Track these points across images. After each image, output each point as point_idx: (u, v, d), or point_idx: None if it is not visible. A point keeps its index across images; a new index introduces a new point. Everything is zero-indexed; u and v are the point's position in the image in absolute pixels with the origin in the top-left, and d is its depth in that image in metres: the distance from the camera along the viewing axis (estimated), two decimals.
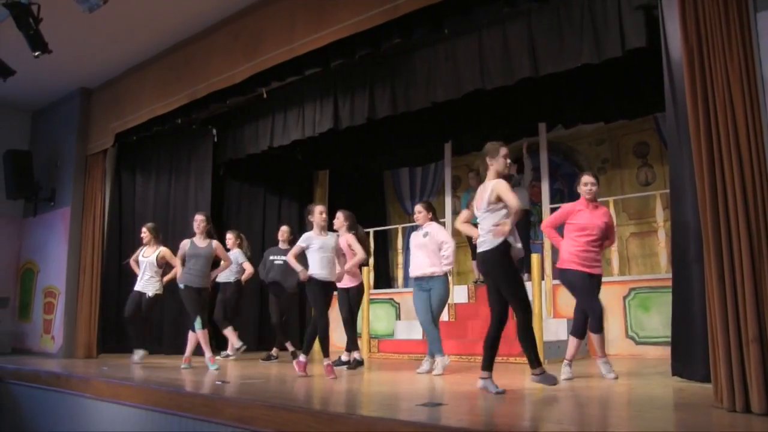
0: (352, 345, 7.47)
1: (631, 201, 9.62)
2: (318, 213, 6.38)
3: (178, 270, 7.74)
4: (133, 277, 9.39)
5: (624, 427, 3.41)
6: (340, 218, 7.44)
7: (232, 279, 8.80)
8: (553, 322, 7.92)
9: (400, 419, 3.53)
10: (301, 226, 11.17)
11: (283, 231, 8.80)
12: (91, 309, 9.61)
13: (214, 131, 10.44)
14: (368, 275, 9.02)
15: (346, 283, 7.32)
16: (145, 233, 8.43)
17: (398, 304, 10.19)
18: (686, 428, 3.36)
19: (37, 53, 7.22)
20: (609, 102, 8.73)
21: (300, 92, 9.05)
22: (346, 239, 7.16)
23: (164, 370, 7.26)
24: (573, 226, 5.70)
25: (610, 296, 7.85)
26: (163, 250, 8.29)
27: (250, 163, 10.66)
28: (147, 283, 8.24)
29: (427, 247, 6.50)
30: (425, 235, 6.55)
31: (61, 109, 10.80)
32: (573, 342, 5.70)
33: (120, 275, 10.18)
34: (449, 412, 3.81)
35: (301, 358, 6.33)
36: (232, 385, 5.47)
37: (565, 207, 5.92)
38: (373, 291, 9.63)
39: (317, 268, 6.14)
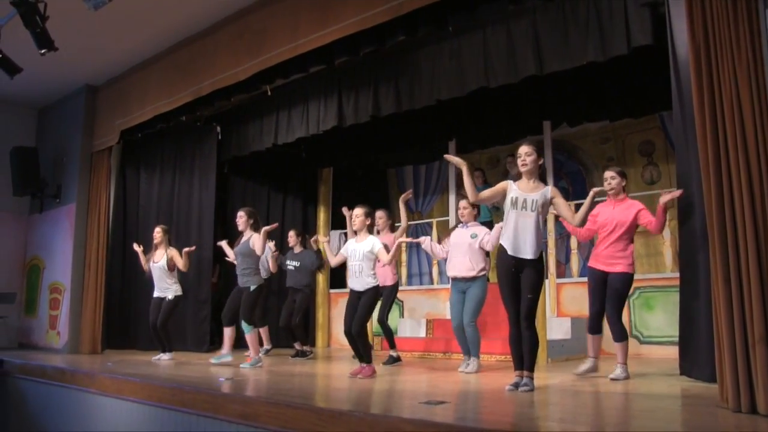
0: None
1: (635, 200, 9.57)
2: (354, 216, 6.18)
3: (183, 267, 7.93)
4: (138, 273, 9.41)
5: (628, 426, 3.38)
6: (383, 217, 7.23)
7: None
8: (556, 321, 7.89)
9: (403, 417, 3.50)
10: (305, 224, 11.19)
11: (291, 236, 8.82)
12: (96, 305, 9.61)
13: (219, 128, 10.42)
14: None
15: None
16: (158, 233, 8.36)
17: (402, 302, 10.17)
18: (691, 428, 3.33)
19: (43, 51, 7.22)
20: (614, 100, 8.68)
21: (304, 90, 9.03)
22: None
23: (168, 366, 7.25)
24: (597, 223, 5.66)
25: None
26: (171, 251, 8.25)
27: (254, 161, 10.64)
28: (165, 288, 8.20)
29: (471, 248, 6.30)
30: (473, 236, 6.33)
31: (67, 106, 10.80)
32: (588, 339, 5.74)
33: (124, 271, 10.21)
34: (451, 410, 3.78)
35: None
36: (236, 382, 5.46)
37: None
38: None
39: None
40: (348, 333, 5.95)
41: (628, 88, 8.32)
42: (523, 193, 4.81)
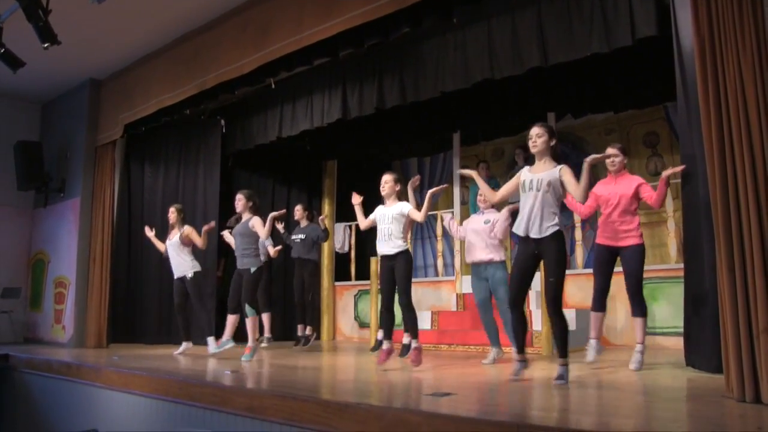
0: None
1: None
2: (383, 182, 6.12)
3: (201, 245, 7.95)
4: (144, 266, 9.46)
5: (633, 417, 3.40)
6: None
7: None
8: None
9: (409, 408, 3.52)
10: (310, 216, 11.19)
11: (297, 210, 9.15)
12: (101, 299, 9.66)
13: (223, 122, 10.43)
14: (376, 265, 9.01)
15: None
16: (172, 213, 8.24)
17: None
18: (696, 418, 3.35)
19: (46, 45, 7.24)
20: (619, 91, 8.68)
21: (308, 82, 9.03)
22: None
23: (175, 359, 7.29)
24: (599, 200, 5.67)
25: (619, 286, 7.79)
26: (186, 229, 8.13)
27: (258, 154, 10.64)
28: (180, 266, 8.07)
29: (484, 233, 6.36)
30: (486, 221, 6.40)
31: (71, 101, 10.83)
32: (591, 317, 5.70)
33: (129, 265, 10.26)
34: (458, 402, 3.81)
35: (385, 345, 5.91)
36: (242, 375, 5.49)
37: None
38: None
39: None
40: (387, 310, 5.85)
41: (632, 80, 8.31)
42: (531, 175, 4.81)
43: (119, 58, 9.67)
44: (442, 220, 6.63)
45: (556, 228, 4.64)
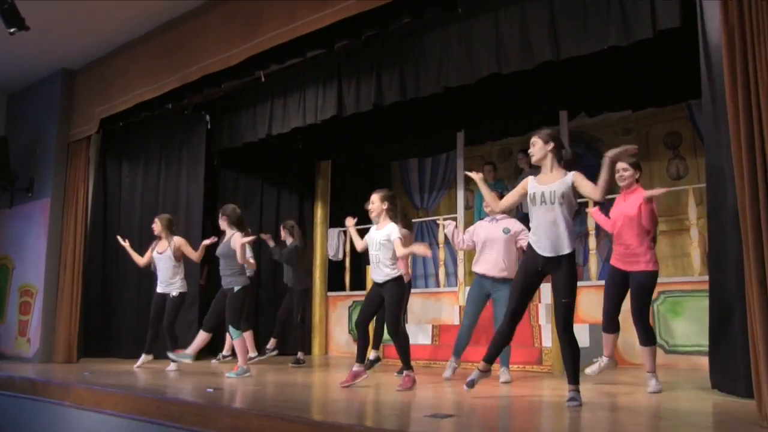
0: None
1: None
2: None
3: (196, 258, 8.04)
4: (120, 274, 9.39)
5: None
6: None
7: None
8: (574, 328, 7.85)
9: (408, 431, 3.49)
10: (301, 220, 11.19)
11: (282, 232, 9.09)
12: (72, 309, 9.57)
13: (208, 117, 10.38)
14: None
15: None
16: (156, 225, 8.31)
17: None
18: None
19: (12, 30, 7.18)
20: (637, 88, 8.65)
21: (301, 76, 9.00)
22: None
23: (153, 374, 7.25)
24: (612, 218, 5.69)
25: None
26: (177, 240, 8.18)
27: (246, 153, 10.60)
28: (169, 282, 8.16)
29: (506, 245, 6.29)
30: (506, 231, 6.33)
31: (41, 92, 10.76)
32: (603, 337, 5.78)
33: (104, 272, 10.18)
34: (460, 425, 3.77)
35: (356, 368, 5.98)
36: (226, 393, 5.45)
37: None
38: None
39: None
40: (360, 328, 5.97)
41: (652, 75, 8.30)
42: (540, 186, 4.77)
43: (95, 46, 9.61)
44: (443, 228, 6.56)
45: (573, 246, 4.64)
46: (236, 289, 7.17)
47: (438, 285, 10.41)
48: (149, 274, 8.88)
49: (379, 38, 7.62)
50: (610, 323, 5.66)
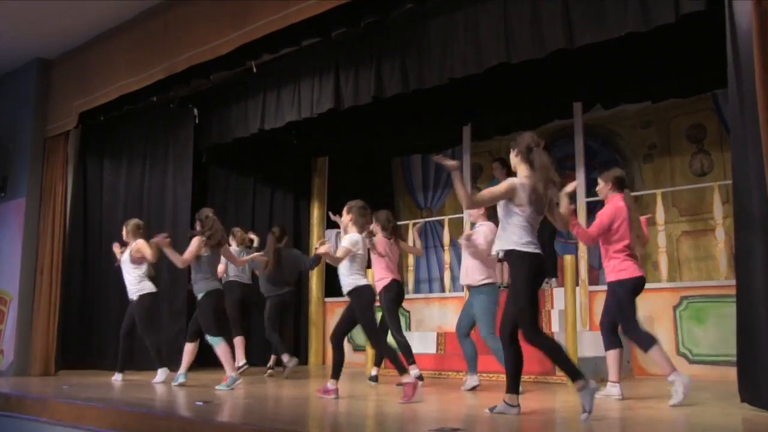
0: None
1: (682, 194, 9.53)
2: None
3: (151, 257, 8.01)
4: (102, 279, 9.36)
5: None
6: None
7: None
8: (588, 336, 7.85)
9: None
10: (296, 221, 11.16)
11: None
12: (49, 318, 9.51)
13: (196, 111, 10.41)
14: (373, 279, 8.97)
15: None
16: (123, 230, 8.42)
17: (408, 312, 10.11)
18: None
19: None
20: (658, 77, 8.64)
21: (296, 67, 8.99)
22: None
23: (136, 388, 7.22)
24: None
25: (657, 306, 7.77)
26: (137, 244, 8.23)
27: (237, 149, 10.62)
28: (131, 287, 8.20)
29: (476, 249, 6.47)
30: (467, 237, 6.53)
31: (14, 83, 10.71)
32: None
33: (85, 278, 10.13)
34: None
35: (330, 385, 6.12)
36: (215, 407, 5.42)
37: None
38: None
39: None
40: (334, 344, 6.25)
41: (674, 63, 8.28)
42: None
43: (73, 34, 9.57)
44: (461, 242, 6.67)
45: (509, 247, 4.76)
46: (200, 296, 7.30)
47: (443, 290, 10.37)
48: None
49: (379, 26, 7.61)
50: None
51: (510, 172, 9.74)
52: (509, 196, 4.75)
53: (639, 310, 7.19)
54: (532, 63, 7.27)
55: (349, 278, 6.16)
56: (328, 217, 11.31)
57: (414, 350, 8.93)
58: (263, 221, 10.93)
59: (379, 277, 7.46)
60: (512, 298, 4.77)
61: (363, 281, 6.18)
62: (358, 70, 8.35)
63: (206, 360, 8.90)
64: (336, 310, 10.92)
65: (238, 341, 8.89)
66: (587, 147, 9.71)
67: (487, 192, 4.93)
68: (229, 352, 7.26)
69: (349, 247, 6.21)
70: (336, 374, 6.06)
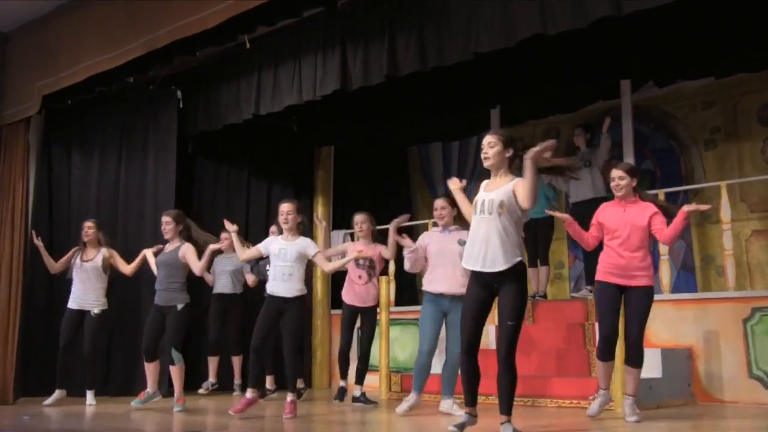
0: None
1: (753, 186, 9.52)
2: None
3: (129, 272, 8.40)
4: (68, 291, 9.35)
5: None
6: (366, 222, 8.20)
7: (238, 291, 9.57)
8: None
9: None
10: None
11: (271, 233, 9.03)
12: (8, 335, 9.45)
13: (180, 94, 10.38)
14: (387, 288, 8.99)
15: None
16: (90, 228, 8.63)
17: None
18: None
19: None
20: (722, 49, 8.55)
21: (296, 41, 9.00)
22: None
23: (107, 417, 7.24)
24: (604, 230, 6.35)
25: (724, 319, 7.72)
26: (110, 251, 8.51)
27: (228, 137, 10.66)
28: (89, 297, 8.41)
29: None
30: (462, 243, 6.49)
31: None
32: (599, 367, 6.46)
33: (50, 288, 10.01)
34: None
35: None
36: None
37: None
38: (393, 309, 9.59)
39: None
40: (255, 351, 6.81)
41: (742, 33, 8.20)
42: (484, 194, 5.33)
43: (35, 3, 9.59)
44: (405, 251, 7.14)
45: (518, 259, 5.13)
46: (180, 307, 7.72)
47: None
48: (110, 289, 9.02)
49: None
50: (610, 349, 6.28)
51: (590, 140, 9.75)
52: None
53: (701, 323, 7.27)
54: (572, 35, 7.24)
55: (300, 283, 6.92)
56: (334, 216, 11.38)
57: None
58: (259, 220, 10.96)
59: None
60: (512, 314, 5.09)
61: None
62: (368, 44, 8.34)
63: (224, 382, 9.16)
64: None
65: (237, 360, 9.50)
66: (637, 132, 9.70)
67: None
68: (182, 375, 7.75)
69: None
70: (256, 383, 6.91)
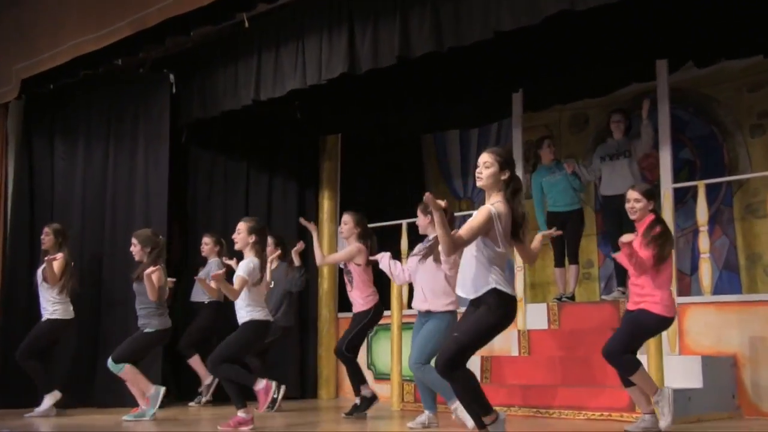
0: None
1: None
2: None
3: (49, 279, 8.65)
4: None
5: None
6: (349, 223, 8.26)
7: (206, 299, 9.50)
8: (678, 361, 7.82)
9: None
10: (302, 216, 11.16)
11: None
12: None
13: (173, 78, 10.43)
14: (399, 288, 9.02)
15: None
16: (47, 236, 8.93)
17: None
18: None
19: None
20: None
21: (299, 20, 9.02)
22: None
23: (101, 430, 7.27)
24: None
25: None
26: (61, 256, 8.76)
27: (226, 125, 10.68)
28: (42, 306, 8.81)
29: (437, 272, 7.06)
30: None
31: None
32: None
33: (30, 291, 9.93)
34: None
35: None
36: None
37: None
38: (406, 312, 9.52)
39: None
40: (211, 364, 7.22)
41: None
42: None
43: None
44: (379, 262, 7.64)
45: (491, 286, 5.24)
46: (147, 330, 8.13)
47: None
48: (90, 293, 9.30)
49: None
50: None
51: (629, 128, 9.78)
52: (488, 228, 5.20)
53: (747, 328, 7.28)
54: (603, 10, 7.25)
55: (242, 310, 7.21)
56: (342, 211, 11.34)
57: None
58: (260, 217, 10.91)
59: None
60: (464, 328, 5.34)
61: (253, 315, 7.23)
62: (378, 23, 8.35)
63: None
64: None
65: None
66: (675, 118, 9.64)
67: (466, 227, 5.26)
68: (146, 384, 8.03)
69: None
70: (240, 402, 7.03)
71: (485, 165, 5.39)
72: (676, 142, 9.55)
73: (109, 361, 7.95)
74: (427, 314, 6.98)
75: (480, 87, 10.34)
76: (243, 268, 7.08)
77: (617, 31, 8.76)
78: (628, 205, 6.57)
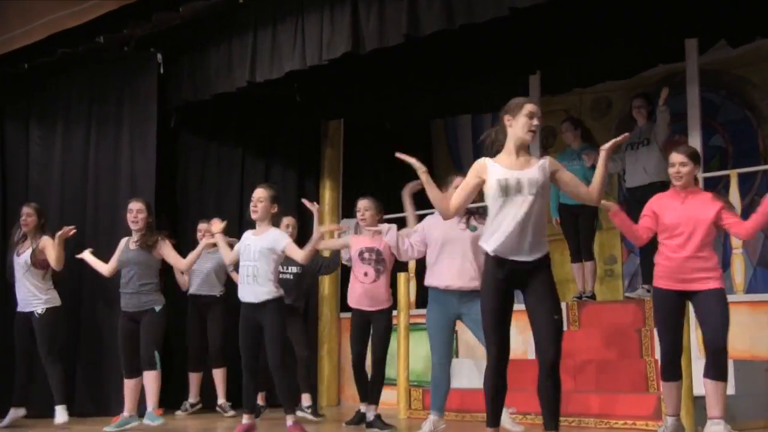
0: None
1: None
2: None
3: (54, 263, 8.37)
4: None
5: None
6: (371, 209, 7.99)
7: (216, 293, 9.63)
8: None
9: None
10: (301, 206, 11.18)
11: (285, 226, 9.04)
12: None
13: (161, 57, 10.40)
14: (406, 286, 9.04)
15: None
16: (29, 216, 8.69)
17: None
18: None
19: None
20: None
21: None
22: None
23: None
24: (660, 226, 6.27)
25: None
26: (44, 240, 8.52)
27: (219, 109, 10.69)
28: (31, 296, 8.51)
29: (473, 246, 6.71)
30: (473, 228, 6.81)
31: None
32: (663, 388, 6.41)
33: (5, 292, 9.94)
34: None
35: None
36: None
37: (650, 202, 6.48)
38: (413, 312, 9.58)
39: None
40: (248, 370, 6.98)
41: None
42: (509, 172, 5.20)
43: None
44: (383, 235, 7.42)
45: (547, 248, 5.27)
46: (157, 309, 7.89)
47: None
48: (74, 290, 9.30)
49: None
50: (674, 367, 6.25)
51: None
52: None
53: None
54: None
55: (268, 285, 6.85)
56: (344, 201, 11.41)
57: (463, 384, 9.00)
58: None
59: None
60: (557, 307, 5.26)
61: (281, 292, 6.98)
62: (383, 0, 8.38)
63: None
64: None
65: (196, 377, 9.70)
66: (705, 101, 9.67)
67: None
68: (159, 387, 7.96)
69: None
70: (250, 406, 7.07)
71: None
72: (706, 128, 9.59)
73: (147, 413, 7.83)
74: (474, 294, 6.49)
75: (494, 69, 10.33)
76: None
77: (642, 7, 8.78)
78: (672, 170, 6.20)
